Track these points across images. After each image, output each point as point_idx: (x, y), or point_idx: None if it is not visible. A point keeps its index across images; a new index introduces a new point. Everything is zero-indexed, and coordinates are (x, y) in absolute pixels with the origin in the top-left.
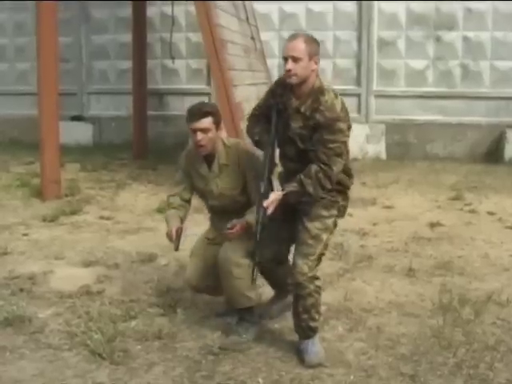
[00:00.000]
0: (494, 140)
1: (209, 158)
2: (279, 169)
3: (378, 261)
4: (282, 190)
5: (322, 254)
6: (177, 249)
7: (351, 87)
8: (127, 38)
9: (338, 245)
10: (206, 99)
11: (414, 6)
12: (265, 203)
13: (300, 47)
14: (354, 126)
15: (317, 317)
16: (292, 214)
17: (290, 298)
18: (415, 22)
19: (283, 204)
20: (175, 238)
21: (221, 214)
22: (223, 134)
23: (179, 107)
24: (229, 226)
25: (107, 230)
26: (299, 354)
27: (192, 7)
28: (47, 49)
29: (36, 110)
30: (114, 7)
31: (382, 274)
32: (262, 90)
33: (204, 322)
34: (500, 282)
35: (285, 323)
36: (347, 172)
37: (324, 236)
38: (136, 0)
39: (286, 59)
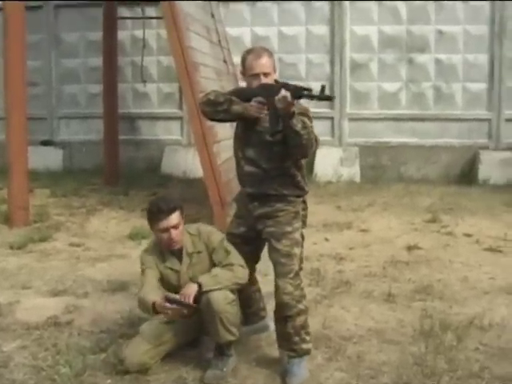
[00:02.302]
0: (468, 161)
1: (175, 252)
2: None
3: (355, 286)
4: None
5: (300, 270)
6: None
7: (324, 110)
8: (98, 61)
9: (314, 270)
10: (178, 123)
11: (386, 28)
12: (277, 97)
13: (268, 63)
14: (328, 150)
15: (307, 338)
16: (254, 237)
17: (261, 324)
18: (387, 44)
19: (246, 224)
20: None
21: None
22: (188, 226)
23: (151, 132)
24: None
25: (77, 258)
26: (283, 374)
27: (163, 30)
28: (14, 72)
29: (4, 135)
30: (84, 30)
31: (361, 299)
32: None
33: (176, 354)
34: (481, 306)
35: (261, 354)
36: (303, 177)
37: (295, 250)
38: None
39: (257, 75)
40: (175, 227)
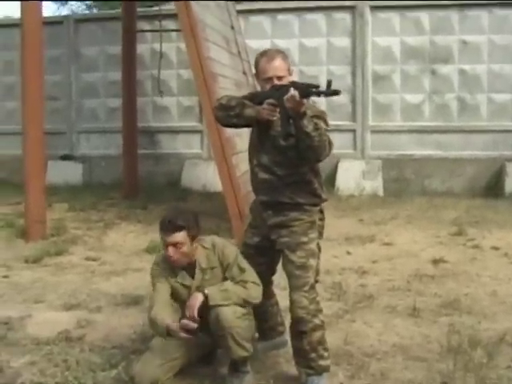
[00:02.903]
0: (494, 174)
1: (188, 267)
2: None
3: (379, 301)
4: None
5: (315, 282)
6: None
7: (346, 123)
8: (117, 75)
9: (335, 284)
10: (198, 137)
11: (409, 39)
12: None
13: (282, 66)
14: (350, 162)
15: (326, 354)
16: (268, 247)
17: (278, 340)
18: (410, 55)
19: (260, 234)
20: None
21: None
22: (202, 240)
23: (171, 145)
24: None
25: (92, 272)
26: None
27: (183, 44)
28: (32, 87)
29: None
30: (104, 44)
31: (384, 314)
32: None
33: (190, 371)
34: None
35: (279, 371)
36: (321, 185)
37: (311, 262)
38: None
39: (270, 78)
40: (175, 246)
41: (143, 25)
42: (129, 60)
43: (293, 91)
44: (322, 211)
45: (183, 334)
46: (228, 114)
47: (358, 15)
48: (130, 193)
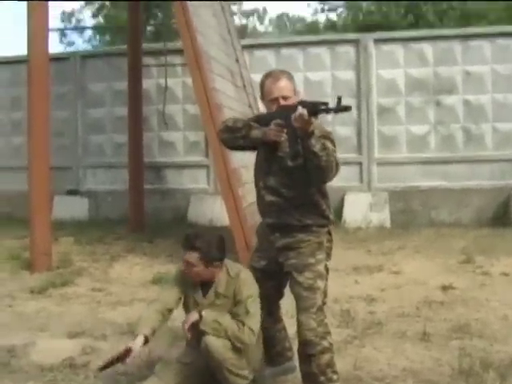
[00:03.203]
0: (501, 204)
1: (205, 284)
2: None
3: (388, 327)
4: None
5: (323, 304)
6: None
7: (352, 155)
8: (124, 111)
9: (344, 312)
10: (204, 171)
11: (413, 71)
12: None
13: (288, 86)
14: (357, 195)
15: (335, 377)
16: (276, 271)
17: (287, 365)
18: (414, 87)
19: (267, 257)
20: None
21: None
22: (231, 265)
23: (177, 180)
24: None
25: (98, 302)
26: None
27: (189, 79)
28: (38, 123)
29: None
30: (110, 80)
31: (394, 340)
32: None
33: None
34: None
35: None
36: (328, 206)
37: (319, 283)
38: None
39: (276, 99)
40: (189, 264)
41: (149, 60)
42: (135, 95)
43: (301, 109)
44: (329, 233)
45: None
46: (234, 136)
47: (362, 48)
48: (136, 228)
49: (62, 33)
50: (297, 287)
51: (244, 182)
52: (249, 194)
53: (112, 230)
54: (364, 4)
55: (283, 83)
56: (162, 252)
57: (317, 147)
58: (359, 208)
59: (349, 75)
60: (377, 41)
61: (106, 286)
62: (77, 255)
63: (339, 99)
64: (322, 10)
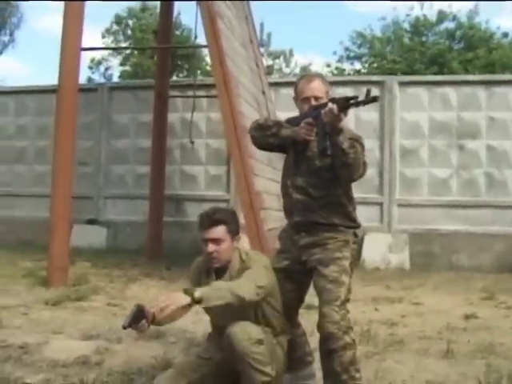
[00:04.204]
0: None
1: (219, 271)
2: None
3: (409, 346)
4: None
5: (347, 300)
6: (126, 325)
7: (373, 195)
8: (147, 143)
9: (364, 332)
10: (224, 206)
11: (437, 115)
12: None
13: (320, 87)
14: (376, 235)
15: (357, 375)
16: (298, 271)
17: (307, 370)
18: (438, 130)
19: (290, 258)
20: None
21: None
22: (243, 244)
23: (197, 214)
24: None
25: (113, 314)
26: None
27: (213, 113)
28: (63, 152)
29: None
30: (135, 112)
31: (416, 356)
32: None
33: None
34: None
35: None
36: (354, 209)
37: (344, 278)
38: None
39: (307, 99)
40: (215, 242)
41: (175, 93)
42: (159, 127)
43: (331, 105)
44: (356, 235)
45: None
46: (265, 134)
47: (387, 90)
48: (153, 257)
49: (89, 79)
50: (321, 280)
51: (266, 207)
52: (270, 219)
53: (129, 258)
54: (389, 53)
55: (316, 84)
56: (180, 278)
57: (345, 144)
58: (378, 248)
59: (372, 116)
60: (402, 83)
61: (122, 302)
62: (93, 276)
63: (368, 91)
64: (348, 58)
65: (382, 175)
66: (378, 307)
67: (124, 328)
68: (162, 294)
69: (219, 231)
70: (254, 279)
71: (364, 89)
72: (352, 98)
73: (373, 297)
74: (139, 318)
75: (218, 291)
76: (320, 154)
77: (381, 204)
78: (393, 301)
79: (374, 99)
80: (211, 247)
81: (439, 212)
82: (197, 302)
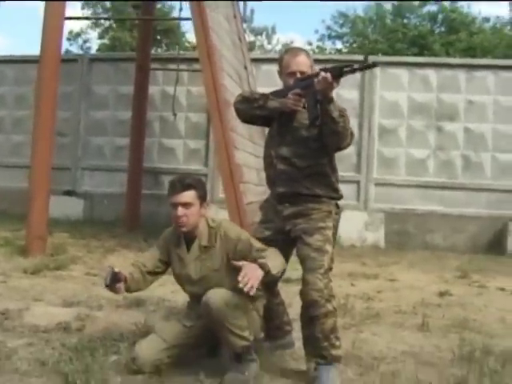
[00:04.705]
0: (496, 233)
1: (189, 239)
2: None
3: (385, 319)
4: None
5: (330, 269)
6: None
7: (351, 174)
8: (126, 115)
9: (341, 305)
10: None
11: (416, 95)
12: (317, 78)
13: (305, 62)
14: (353, 213)
15: (338, 343)
16: (280, 241)
17: (286, 339)
18: (417, 111)
19: (272, 228)
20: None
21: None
22: (208, 213)
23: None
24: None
25: (93, 283)
26: (311, 383)
27: (194, 87)
28: (44, 122)
29: (27, 184)
30: (115, 84)
31: (392, 328)
32: (262, 166)
33: (196, 360)
34: None
35: (286, 367)
36: (337, 180)
37: (327, 247)
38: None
39: (293, 73)
40: (185, 205)
41: (155, 66)
42: (140, 98)
43: (324, 73)
44: (338, 206)
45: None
46: (251, 106)
47: (368, 70)
48: (131, 228)
49: (67, 51)
50: (305, 248)
51: (246, 181)
52: (249, 193)
53: (106, 229)
54: (370, 33)
55: (301, 58)
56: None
57: (335, 113)
58: (355, 226)
59: (352, 95)
60: (383, 63)
61: (101, 272)
62: (71, 246)
63: (365, 57)
64: (329, 37)
65: (360, 154)
66: (354, 282)
67: (106, 286)
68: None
69: (189, 195)
70: (275, 251)
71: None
72: (346, 65)
73: (349, 272)
74: (116, 280)
75: (274, 261)
76: (311, 123)
77: (358, 182)
78: (368, 277)
79: (373, 65)
80: (181, 211)
81: (415, 192)
82: (267, 272)
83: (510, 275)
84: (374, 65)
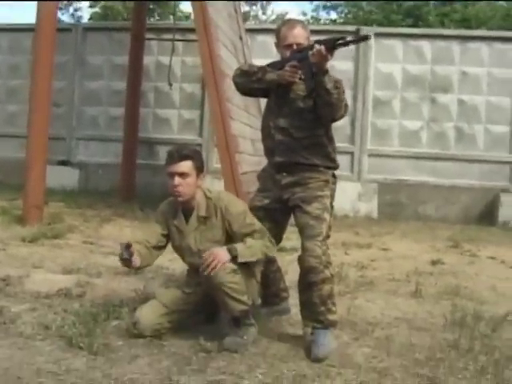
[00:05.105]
0: (488, 203)
1: (187, 211)
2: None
3: (379, 287)
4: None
5: (327, 237)
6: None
7: (345, 145)
8: (121, 85)
9: (336, 273)
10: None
11: (410, 67)
12: (312, 51)
13: (302, 33)
14: (346, 184)
15: (334, 308)
16: (278, 210)
17: (282, 305)
18: (411, 83)
19: (270, 197)
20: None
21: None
22: (204, 184)
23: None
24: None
25: (91, 251)
26: (307, 346)
27: (188, 58)
28: (40, 92)
29: (23, 153)
30: (110, 54)
31: (386, 295)
32: (257, 137)
33: (196, 327)
34: None
35: (283, 331)
36: (334, 150)
37: (325, 215)
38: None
39: (290, 45)
40: (182, 175)
41: (150, 36)
42: (135, 68)
43: (318, 46)
44: (334, 176)
45: (123, 258)
46: (249, 80)
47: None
48: (126, 198)
49: (58, 20)
50: (304, 217)
51: (241, 151)
52: (244, 163)
53: (102, 199)
54: (365, 4)
55: (298, 31)
56: (153, 218)
57: (329, 85)
58: (348, 197)
59: (347, 66)
60: (377, 34)
61: (98, 241)
62: (67, 215)
63: (357, 30)
64: (324, 7)
65: (353, 125)
66: (347, 251)
67: (122, 260)
68: (207, 250)
69: (187, 165)
70: (266, 232)
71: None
72: (340, 38)
73: (342, 242)
74: (130, 254)
75: (251, 249)
76: (308, 94)
77: (352, 153)
78: (362, 246)
79: (366, 38)
80: (178, 180)
81: (408, 163)
82: (234, 257)
83: (500, 245)
84: (367, 37)
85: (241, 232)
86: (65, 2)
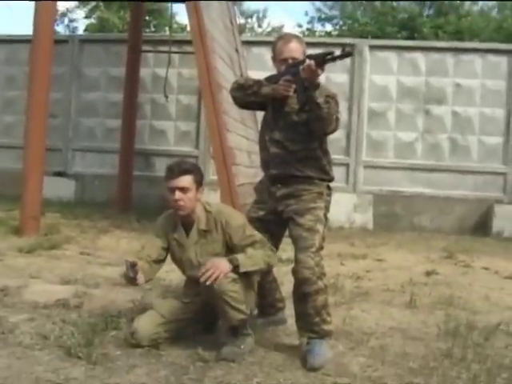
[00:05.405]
0: (482, 214)
1: (187, 224)
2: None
3: (374, 297)
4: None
5: (321, 248)
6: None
7: (340, 156)
8: (117, 96)
9: (330, 284)
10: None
11: (405, 79)
12: (302, 66)
13: (298, 48)
14: (342, 195)
15: (328, 319)
16: (273, 221)
17: (278, 316)
18: (405, 94)
19: (266, 208)
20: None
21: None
22: (203, 197)
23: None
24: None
25: (88, 262)
26: (303, 356)
27: (185, 70)
28: (37, 103)
29: (19, 164)
30: (106, 66)
31: (381, 306)
32: (254, 149)
33: (194, 336)
34: (506, 317)
35: (279, 341)
36: (329, 163)
37: (318, 227)
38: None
39: (286, 60)
40: (183, 190)
41: (147, 48)
42: (132, 80)
43: (308, 61)
44: (329, 188)
45: (128, 276)
46: (246, 93)
47: (358, 53)
48: (122, 210)
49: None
50: (297, 229)
51: (238, 163)
52: (240, 175)
53: (98, 210)
54: (360, 16)
55: (293, 45)
56: (150, 230)
57: (320, 99)
58: (344, 208)
59: (342, 78)
60: (372, 47)
61: (95, 252)
62: (64, 226)
63: (343, 47)
64: (319, 19)
65: (349, 137)
66: (343, 262)
67: (127, 278)
68: (207, 261)
69: (187, 180)
70: (266, 243)
71: (336, 52)
72: (328, 53)
73: (338, 253)
74: (135, 272)
75: (252, 258)
76: (301, 109)
77: (347, 165)
78: (357, 257)
79: (349, 53)
80: (178, 195)
81: (403, 174)
82: (235, 267)
83: (494, 255)
84: (350, 53)
85: (241, 244)
86: (59, 13)
